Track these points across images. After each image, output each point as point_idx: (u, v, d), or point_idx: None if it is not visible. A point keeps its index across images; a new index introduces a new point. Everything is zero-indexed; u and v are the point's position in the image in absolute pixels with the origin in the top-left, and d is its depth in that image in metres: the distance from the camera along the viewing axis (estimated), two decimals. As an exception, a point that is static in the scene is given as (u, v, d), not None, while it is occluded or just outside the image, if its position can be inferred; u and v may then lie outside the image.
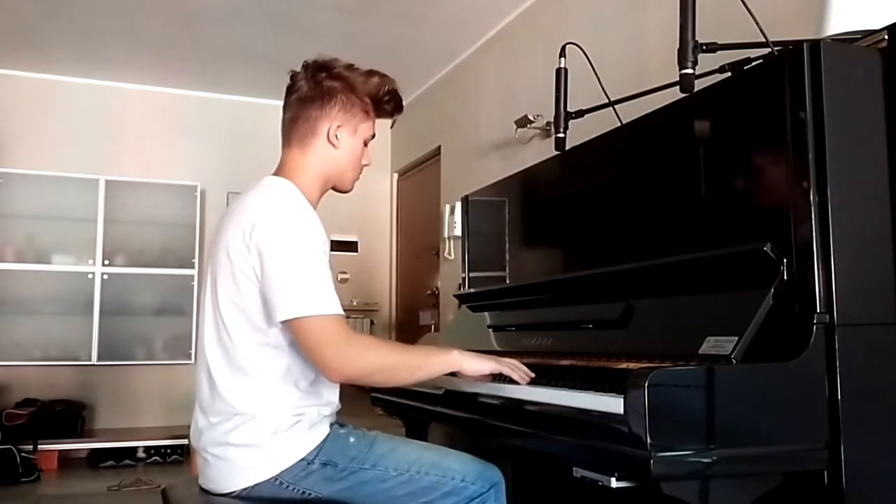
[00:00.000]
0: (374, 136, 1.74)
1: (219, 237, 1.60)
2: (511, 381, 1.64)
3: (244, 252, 1.50)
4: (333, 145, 1.66)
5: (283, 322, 1.47)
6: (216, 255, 1.59)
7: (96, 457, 4.82)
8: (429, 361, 1.59)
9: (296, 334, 1.48)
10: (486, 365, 1.61)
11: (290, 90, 1.69)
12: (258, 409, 1.51)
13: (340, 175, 1.71)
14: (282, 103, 1.71)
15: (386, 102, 1.72)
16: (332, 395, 1.62)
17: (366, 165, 1.75)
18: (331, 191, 1.75)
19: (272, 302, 1.47)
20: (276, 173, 1.66)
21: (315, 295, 1.46)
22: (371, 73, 1.70)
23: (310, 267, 1.48)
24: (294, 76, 1.69)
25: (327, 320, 1.46)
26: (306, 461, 1.50)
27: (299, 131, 1.66)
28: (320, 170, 1.67)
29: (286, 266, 1.47)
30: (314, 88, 1.65)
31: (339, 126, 1.65)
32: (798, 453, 1.29)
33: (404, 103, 1.78)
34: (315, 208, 1.62)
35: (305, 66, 1.68)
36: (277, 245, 1.49)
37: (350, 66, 1.69)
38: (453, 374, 1.66)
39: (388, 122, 1.85)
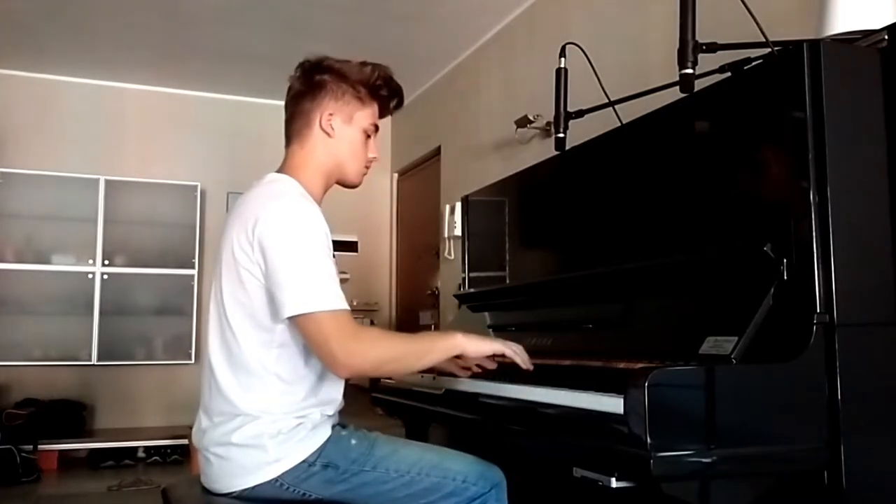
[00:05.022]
0: (377, 128, 1.73)
1: (224, 236, 1.61)
2: (511, 377, 1.64)
3: (248, 249, 1.51)
4: (328, 134, 1.66)
5: (290, 318, 1.47)
6: (221, 253, 1.60)
7: (96, 457, 4.82)
8: (434, 347, 1.59)
9: (302, 330, 1.48)
10: (488, 346, 1.62)
11: (288, 91, 1.72)
12: (261, 409, 1.51)
13: (341, 166, 1.70)
14: (282, 103, 1.72)
15: (380, 88, 1.70)
16: (335, 393, 1.62)
17: (373, 159, 1.74)
18: (335, 189, 1.75)
19: (278, 298, 1.47)
20: (279, 170, 1.67)
21: (320, 290, 1.46)
22: (364, 63, 1.70)
23: (313, 262, 1.48)
24: (291, 77, 1.71)
25: (333, 315, 1.46)
26: (307, 463, 1.50)
27: (296, 127, 1.68)
28: (321, 163, 1.67)
29: (290, 262, 1.47)
30: (305, 83, 1.68)
31: (330, 114, 1.66)
32: (798, 453, 1.29)
33: (404, 103, 1.77)
34: (319, 204, 1.61)
35: (300, 65, 1.70)
36: (280, 240, 1.49)
37: (344, 61, 1.70)
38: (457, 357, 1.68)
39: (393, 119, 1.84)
